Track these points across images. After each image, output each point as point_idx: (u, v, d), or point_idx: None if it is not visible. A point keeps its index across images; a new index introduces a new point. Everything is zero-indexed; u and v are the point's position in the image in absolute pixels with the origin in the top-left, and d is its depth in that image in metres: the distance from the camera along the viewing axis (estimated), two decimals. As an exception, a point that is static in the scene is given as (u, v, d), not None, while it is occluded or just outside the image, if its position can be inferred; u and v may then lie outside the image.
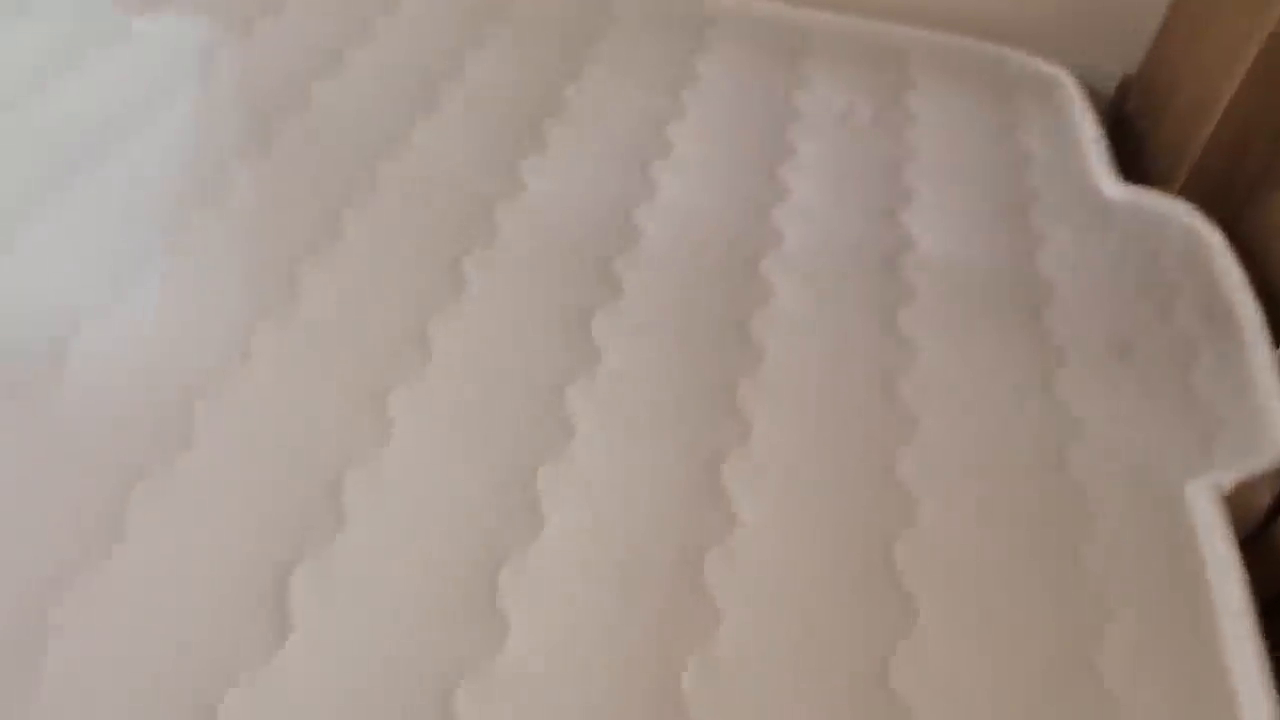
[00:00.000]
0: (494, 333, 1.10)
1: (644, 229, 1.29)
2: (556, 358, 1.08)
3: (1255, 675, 0.86)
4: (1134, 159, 1.72)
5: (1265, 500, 1.06)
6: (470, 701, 0.78)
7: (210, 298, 1.08)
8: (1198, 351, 1.23)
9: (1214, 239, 1.42)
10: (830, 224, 1.36)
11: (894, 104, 1.67)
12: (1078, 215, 1.46)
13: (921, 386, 1.11)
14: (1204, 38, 1.73)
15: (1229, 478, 1.03)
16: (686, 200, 1.36)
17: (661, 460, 0.98)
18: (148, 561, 0.83)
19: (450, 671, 0.79)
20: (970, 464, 1.02)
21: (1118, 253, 1.39)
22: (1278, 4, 1.47)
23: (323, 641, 0.80)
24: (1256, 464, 1.06)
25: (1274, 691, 0.85)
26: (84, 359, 0.98)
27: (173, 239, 1.14)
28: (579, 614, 0.84)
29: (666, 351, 1.11)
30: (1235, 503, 1.02)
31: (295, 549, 0.85)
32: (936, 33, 1.88)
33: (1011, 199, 1.48)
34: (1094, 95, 1.83)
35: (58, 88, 1.32)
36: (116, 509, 0.86)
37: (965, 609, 0.89)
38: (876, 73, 1.75)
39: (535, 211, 1.29)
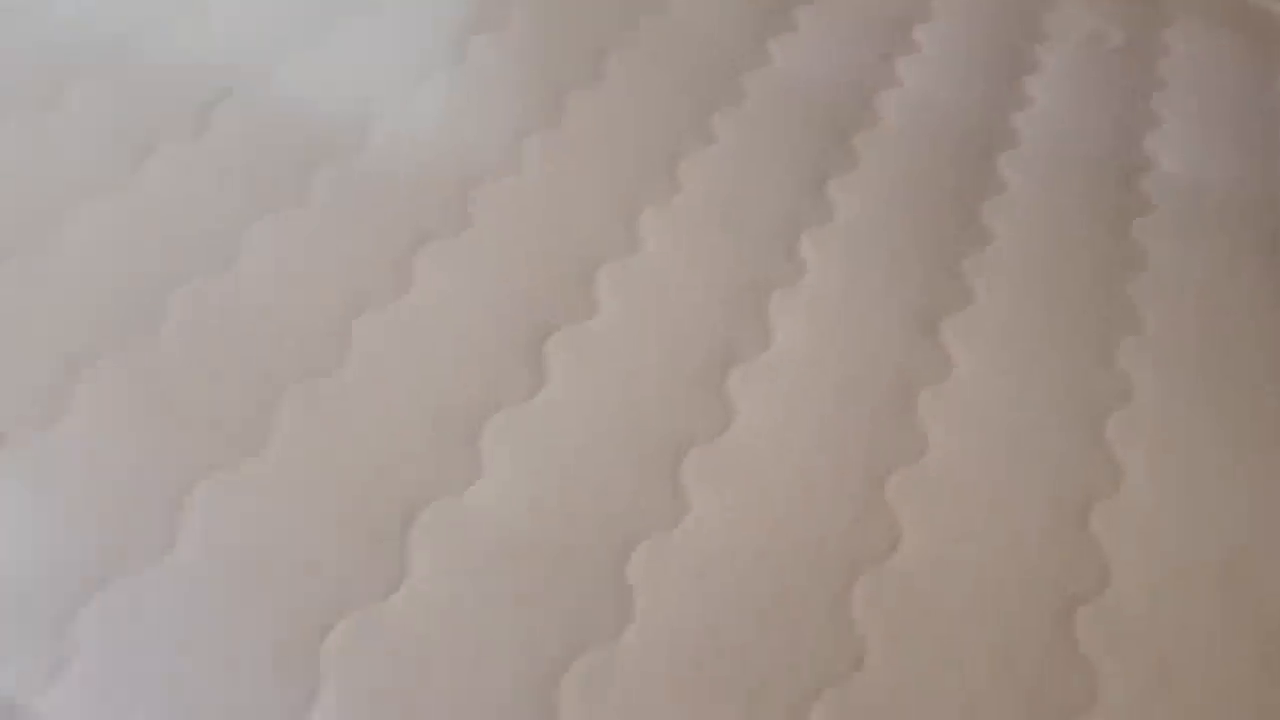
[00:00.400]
0: (737, 178, 1.17)
1: (884, 113, 1.33)
2: (793, 206, 1.14)
3: None
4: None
5: None
6: (696, 469, 0.86)
7: (488, 107, 1.19)
8: None
9: None
10: (1069, 134, 1.37)
11: (1147, 36, 1.63)
12: (1333, 165, 1.41)
13: (1149, 286, 1.12)
14: None
15: None
16: (927, 94, 1.39)
17: (884, 304, 1.04)
18: (431, 307, 0.94)
19: (680, 442, 0.88)
20: (1192, 358, 1.04)
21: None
22: None
23: (573, 397, 0.89)
24: None
25: None
26: (384, 138, 1.11)
27: (458, 55, 1.26)
28: (797, 416, 0.91)
29: (896, 217, 1.16)
30: None
31: (552, 318, 0.95)
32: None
33: (1263, 140, 1.44)
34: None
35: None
36: (407, 261, 0.98)
37: (1171, 481, 0.92)
38: (1129, 4, 1.71)
39: (781, 82, 1.34)
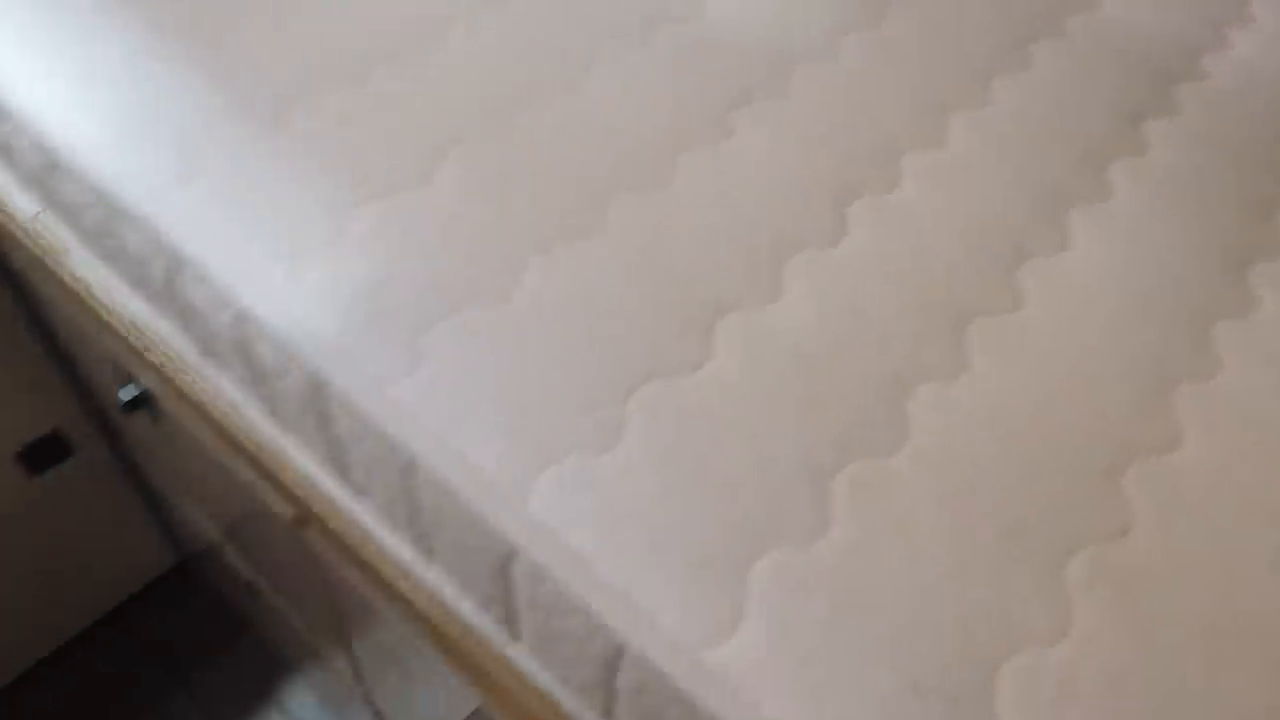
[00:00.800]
0: (1049, 103, 1.17)
1: (1210, 72, 1.29)
2: (1105, 135, 1.13)
3: None
4: None
5: None
6: (981, 336, 0.88)
7: (813, 3, 1.25)
8: None
9: None
10: None
11: None
12: None
13: None
14: None
15: None
16: (1259, 65, 1.33)
17: (1191, 239, 1.01)
18: (747, 155, 1.01)
19: (968, 310, 0.90)
20: None
21: None
22: None
23: (871, 250, 0.94)
24: None
25: None
26: (716, 13, 1.19)
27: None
28: (1087, 315, 0.91)
29: (1213, 164, 1.12)
30: None
31: (857, 185, 1.00)
32: None
33: None
34: None
35: None
36: (727, 115, 1.05)
37: None
38: None
39: (1106, 27, 1.33)
